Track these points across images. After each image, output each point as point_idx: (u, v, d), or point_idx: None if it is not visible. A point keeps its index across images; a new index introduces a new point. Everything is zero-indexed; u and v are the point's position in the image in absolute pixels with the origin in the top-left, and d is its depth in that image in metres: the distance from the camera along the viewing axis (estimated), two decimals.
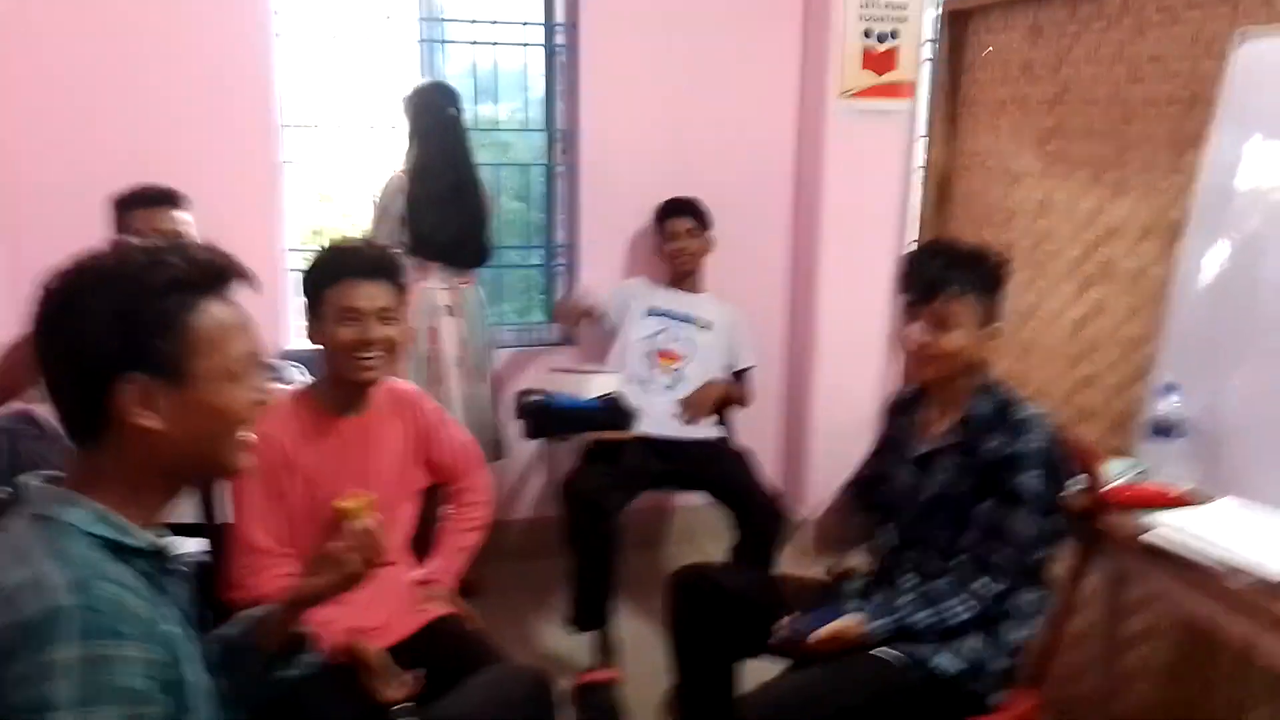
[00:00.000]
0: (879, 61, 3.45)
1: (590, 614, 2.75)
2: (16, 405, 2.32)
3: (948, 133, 3.20)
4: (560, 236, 3.68)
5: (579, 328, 3.46)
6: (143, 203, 2.46)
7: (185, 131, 3.09)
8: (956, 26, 3.15)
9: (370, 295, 1.83)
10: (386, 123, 3.35)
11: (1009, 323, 2.85)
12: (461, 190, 3.07)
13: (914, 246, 1.94)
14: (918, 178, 3.44)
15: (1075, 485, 1.98)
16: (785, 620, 1.89)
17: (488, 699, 1.66)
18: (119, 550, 1.05)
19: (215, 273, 1.11)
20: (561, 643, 2.88)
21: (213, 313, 1.09)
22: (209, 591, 1.97)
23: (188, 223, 2.50)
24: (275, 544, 1.86)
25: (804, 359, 3.69)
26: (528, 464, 3.56)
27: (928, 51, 3.48)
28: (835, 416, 3.55)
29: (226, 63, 3.12)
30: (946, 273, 1.85)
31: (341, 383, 1.89)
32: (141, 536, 1.08)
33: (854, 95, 3.46)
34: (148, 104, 3.06)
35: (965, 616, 1.77)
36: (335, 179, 3.52)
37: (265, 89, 3.20)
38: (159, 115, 3.07)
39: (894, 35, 3.44)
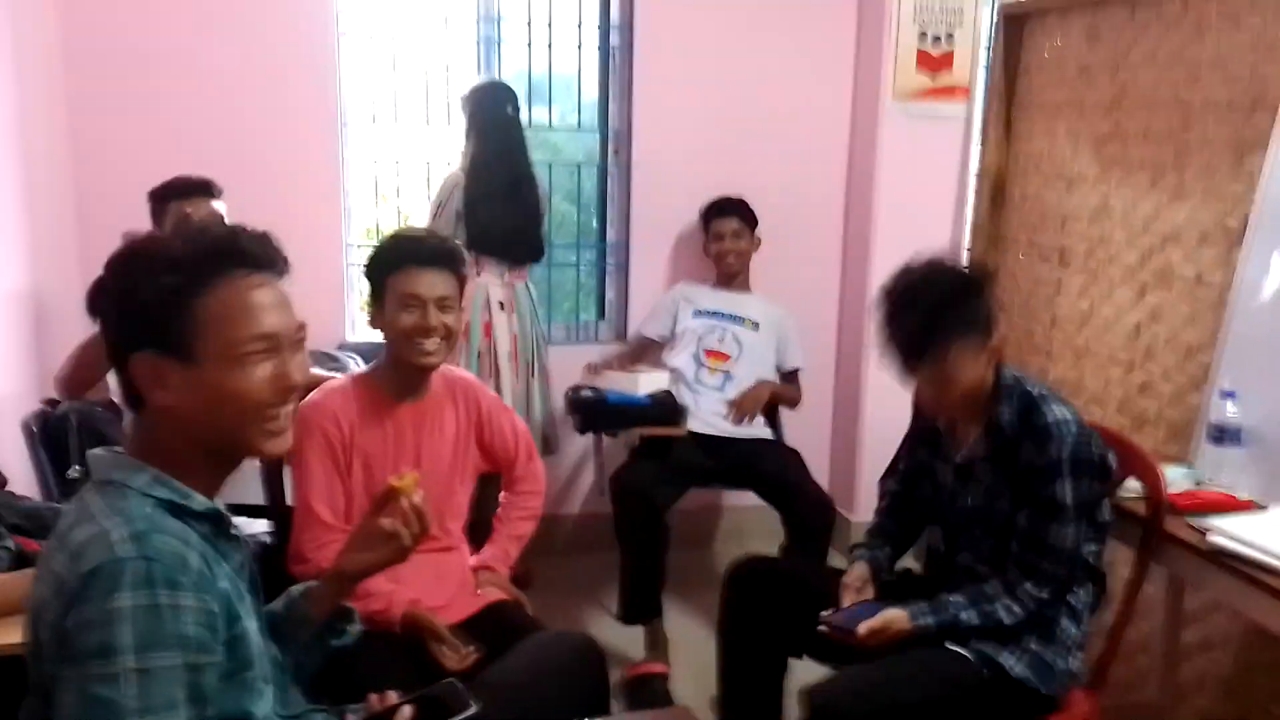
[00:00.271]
0: (934, 64, 3.45)
1: (640, 608, 2.78)
2: (99, 394, 2.42)
3: (1003, 136, 3.19)
4: (611, 235, 3.72)
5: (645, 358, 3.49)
6: (177, 193, 2.53)
7: (251, 129, 3.19)
8: (1013, 29, 3.14)
9: (430, 283, 1.89)
10: (444, 120, 3.41)
11: (1064, 327, 2.86)
12: (517, 187, 3.12)
13: (882, 300, 1.83)
14: (972, 182, 3.44)
15: (1132, 492, 1.98)
16: (831, 611, 1.91)
17: (539, 660, 1.70)
18: (178, 513, 1.10)
19: (221, 253, 1.11)
20: (611, 636, 2.91)
21: (219, 294, 1.09)
22: (271, 573, 2.05)
23: (221, 212, 2.57)
24: (337, 519, 1.92)
25: (855, 361, 3.69)
26: (578, 459, 3.60)
27: (983, 54, 3.47)
28: (886, 419, 3.51)
29: (292, 62, 3.21)
30: (927, 330, 1.75)
31: (401, 367, 1.95)
32: (199, 501, 1.13)
33: (909, 98, 3.46)
34: (216, 102, 3.16)
35: (1009, 620, 1.77)
36: (394, 176, 3.59)
37: (329, 87, 3.28)
38: (227, 113, 3.17)
39: (950, 38, 3.44)
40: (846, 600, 1.95)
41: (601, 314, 3.80)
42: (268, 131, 3.20)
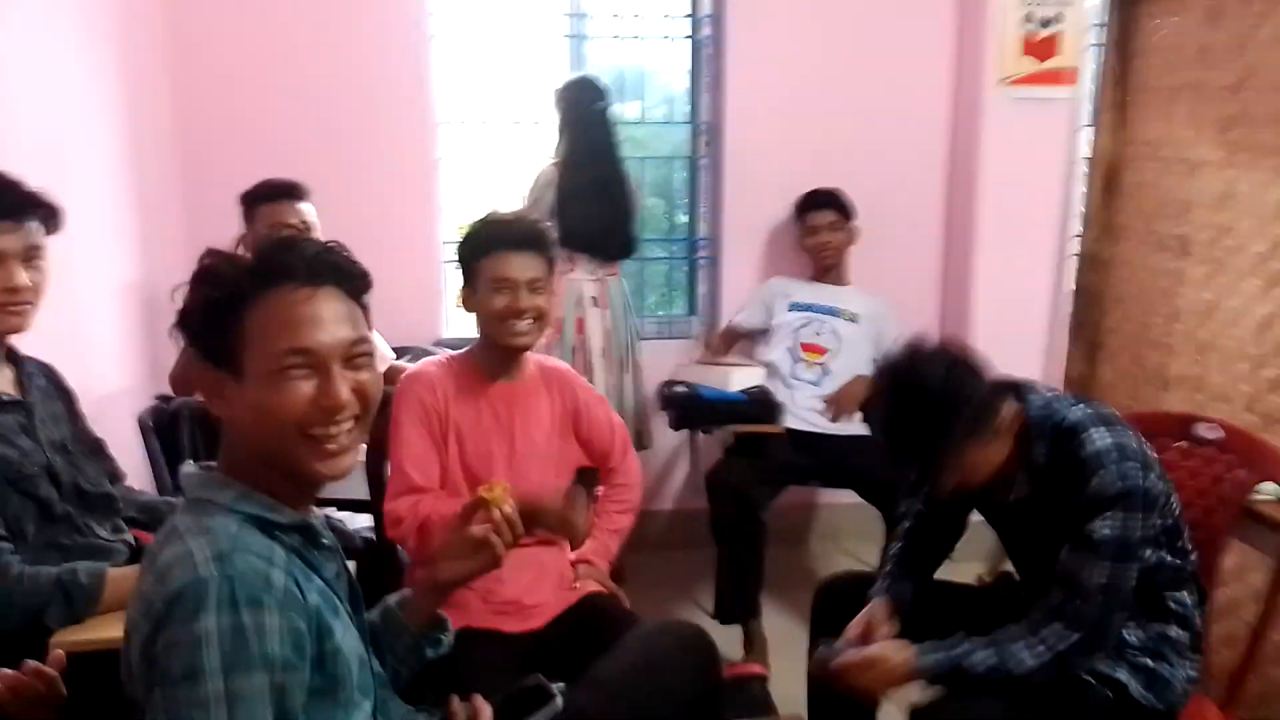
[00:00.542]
0: (1040, 47, 3.31)
1: (737, 608, 2.74)
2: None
3: (1116, 121, 3.04)
4: (702, 230, 3.68)
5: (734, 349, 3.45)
6: (264, 197, 2.57)
7: (347, 131, 3.24)
8: (1126, 10, 2.99)
9: (521, 265, 1.90)
10: (536, 118, 3.42)
11: (1186, 320, 2.71)
12: (608, 183, 3.11)
13: (872, 417, 1.73)
14: (1081, 169, 3.30)
15: (1268, 495, 1.86)
16: (829, 644, 1.78)
17: (648, 652, 1.68)
18: (266, 527, 1.09)
19: (268, 267, 1.09)
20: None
21: (265, 308, 1.08)
22: (372, 570, 2.07)
23: (309, 214, 2.60)
24: (430, 484, 1.93)
25: None
26: (670, 455, 3.57)
27: (1092, 36, 3.32)
28: None
29: (385, 65, 3.25)
30: (928, 459, 1.64)
31: (494, 349, 1.97)
32: (287, 513, 1.12)
33: (1013, 83, 3.32)
34: (313, 105, 3.22)
35: (1033, 662, 1.61)
36: (485, 175, 3.62)
37: (422, 88, 3.31)
38: (323, 116, 3.22)
39: (1057, 20, 3.29)
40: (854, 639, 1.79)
41: (693, 309, 3.76)
42: (362, 134, 3.25)
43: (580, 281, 3.11)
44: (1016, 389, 1.69)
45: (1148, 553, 1.63)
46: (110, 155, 2.69)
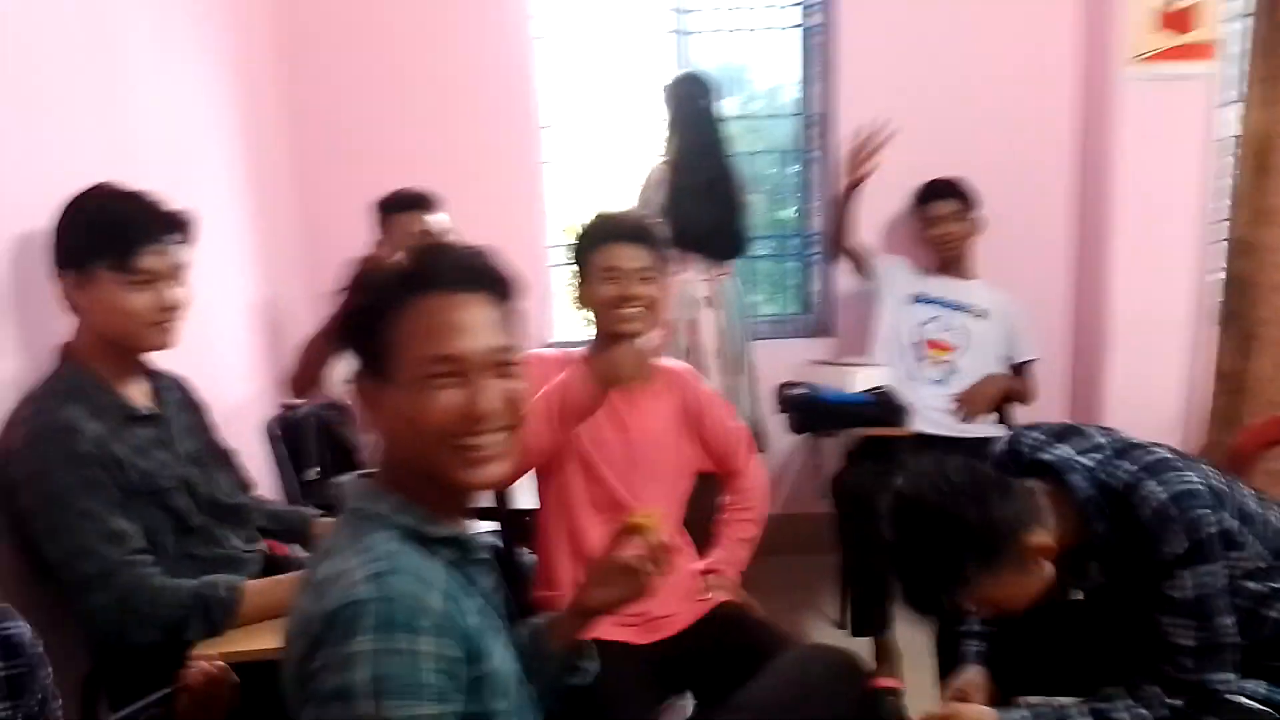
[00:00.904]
0: (1178, 20, 3.10)
1: (871, 620, 2.63)
2: (325, 394, 2.50)
3: (1268, 96, 2.82)
4: (814, 226, 3.57)
5: (843, 257, 3.28)
6: (402, 206, 2.63)
7: (450, 136, 3.24)
8: None
9: (630, 256, 1.90)
10: (642, 118, 3.37)
11: None
12: (716, 181, 3.05)
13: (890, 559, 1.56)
14: (1220, 148, 3.09)
15: None
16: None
17: (798, 679, 1.61)
18: (424, 540, 1.07)
19: (416, 272, 1.08)
20: (827, 639, 2.78)
21: (412, 313, 1.06)
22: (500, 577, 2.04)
23: (444, 223, 2.63)
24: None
25: (1093, 353, 3.38)
26: (786, 458, 3.47)
27: (1230, 7, 3.10)
28: (1130, 418, 3.17)
29: (488, 67, 3.24)
30: (940, 594, 1.50)
31: (608, 341, 1.92)
32: (444, 527, 1.10)
33: (1148, 59, 3.12)
34: (416, 112, 3.24)
35: None
36: (591, 178, 3.58)
37: (526, 91, 3.30)
38: (426, 122, 3.24)
39: None
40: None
41: (806, 308, 3.65)
42: (467, 138, 3.25)
43: (692, 282, 3.04)
44: (1054, 473, 1.53)
45: (1251, 585, 1.49)
46: (233, 176, 2.74)
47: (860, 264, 3.26)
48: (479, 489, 1.13)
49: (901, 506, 1.53)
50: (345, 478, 1.17)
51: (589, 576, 1.39)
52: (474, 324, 1.07)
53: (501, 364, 1.09)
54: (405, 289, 1.07)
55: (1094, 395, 3.37)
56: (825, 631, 2.85)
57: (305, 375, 2.55)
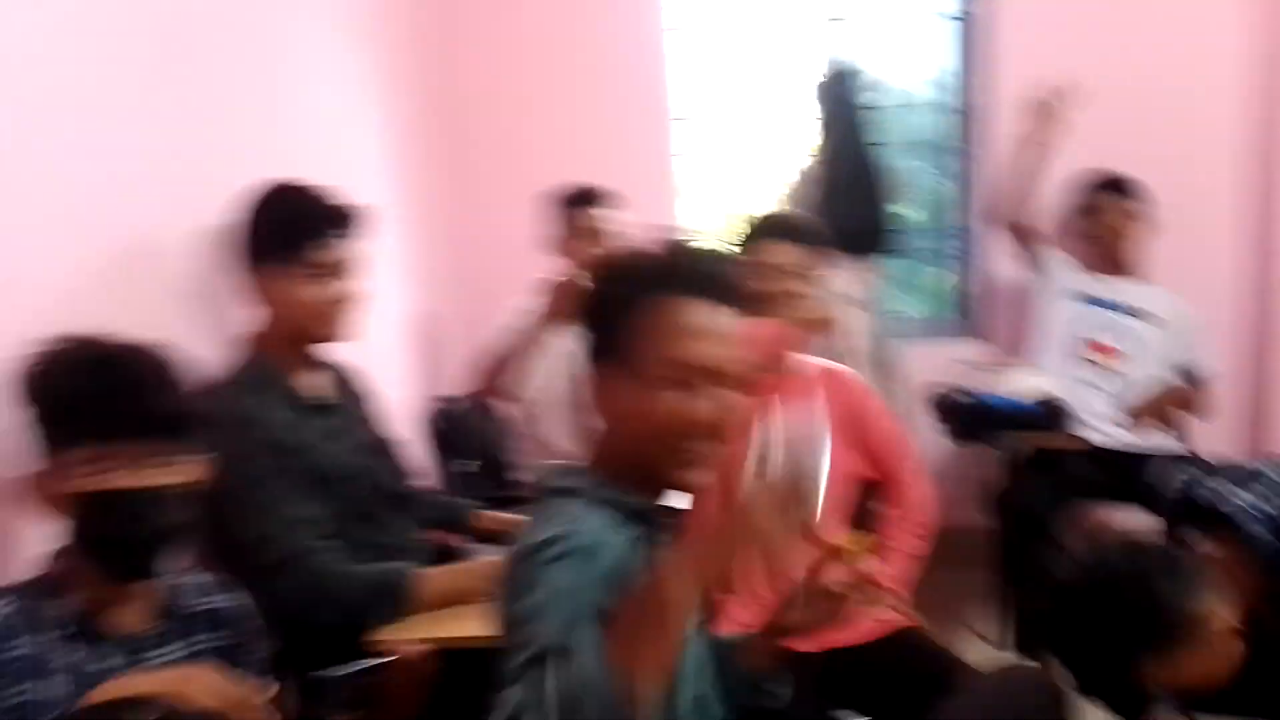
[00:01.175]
0: None
1: (1035, 640, 2.48)
2: (512, 395, 2.47)
3: None
4: (966, 221, 3.42)
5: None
6: (586, 201, 2.62)
7: (582, 127, 3.24)
8: None
9: (778, 252, 1.93)
10: (780, 111, 3.29)
11: None
12: (863, 177, 2.99)
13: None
14: None
15: None
16: None
17: (999, 705, 1.51)
18: (617, 512, 1.10)
19: (675, 274, 1.10)
20: (987, 660, 2.65)
21: (662, 310, 1.08)
22: None
23: (624, 220, 2.61)
24: None
25: (1269, 370, 3.15)
26: (938, 464, 3.32)
27: None
28: None
29: (621, 58, 3.24)
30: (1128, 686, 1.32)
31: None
32: (638, 501, 1.13)
33: None
34: (551, 102, 3.24)
35: None
36: (725, 171, 3.53)
37: (658, 82, 3.27)
38: (560, 113, 3.25)
39: None
40: None
41: (955, 307, 3.51)
42: (599, 130, 3.24)
43: (840, 281, 2.95)
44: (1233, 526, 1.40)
45: None
46: (385, 173, 2.78)
47: (1030, 245, 3.02)
48: (686, 491, 1.16)
49: (1061, 595, 1.39)
50: (546, 462, 1.19)
51: (785, 598, 1.34)
52: (723, 335, 1.10)
53: (738, 378, 1.12)
54: (660, 285, 1.09)
55: (1275, 415, 3.13)
56: (982, 650, 2.71)
57: (496, 374, 2.49)
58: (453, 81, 3.24)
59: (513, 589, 1.03)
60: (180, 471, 1.15)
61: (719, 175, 3.53)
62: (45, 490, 1.12)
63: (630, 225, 2.58)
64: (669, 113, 3.31)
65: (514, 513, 1.92)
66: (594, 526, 1.06)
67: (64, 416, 1.11)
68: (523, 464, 2.50)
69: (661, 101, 3.28)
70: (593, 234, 2.56)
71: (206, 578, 1.30)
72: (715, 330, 1.09)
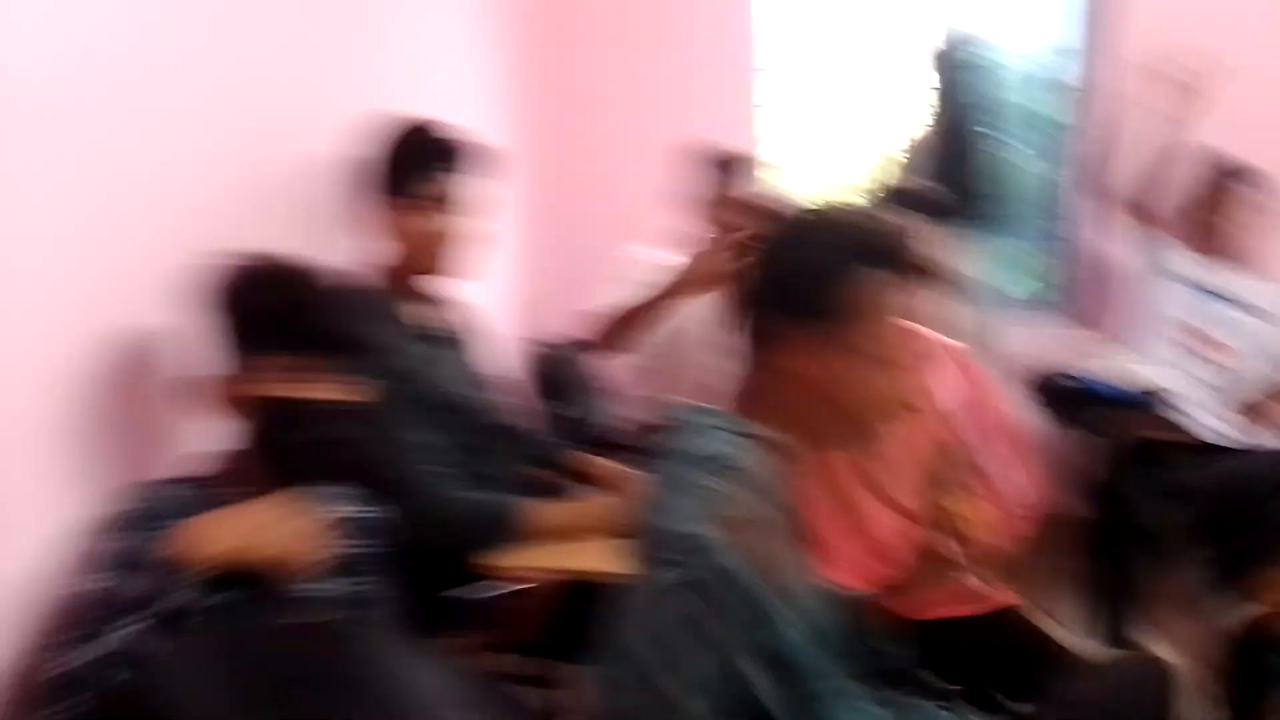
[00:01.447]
0: None
1: (1124, 632, 2.45)
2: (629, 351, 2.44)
3: None
4: (1075, 198, 3.30)
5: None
6: (737, 168, 2.52)
7: (665, 76, 3.22)
8: None
9: (917, 226, 1.85)
10: (866, 67, 3.31)
11: None
12: (967, 152, 2.93)
13: None
14: None
15: None
16: None
17: (1113, 695, 1.49)
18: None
19: (890, 251, 1.10)
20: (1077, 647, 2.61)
21: (885, 288, 1.07)
22: None
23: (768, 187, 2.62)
24: None
25: None
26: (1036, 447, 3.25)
27: None
28: None
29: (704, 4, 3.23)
30: None
31: None
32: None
33: None
34: (638, 51, 3.25)
35: None
36: (811, 124, 3.49)
37: (743, 31, 3.23)
38: (641, 63, 3.24)
39: None
40: None
41: (1056, 288, 3.41)
42: (680, 80, 3.22)
43: (948, 256, 2.89)
44: None
45: None
46: (495, 124, 2.79)
47: (1147, 228, 2.91)
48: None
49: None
50: (680, 403, 1.20)
51: (903, 562, 1.37)
52: (928, 319, 1.20)
53: (922, 358, 1.19)
54: (874, 259, 1.08)
55: None
56: (1070, 638, 2.66)
57: (619, 327, 2.37)
58: (555, 22, 3.23)
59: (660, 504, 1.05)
60: (355, 390, 1.22)
61: (801, 128, 3.48)
62: (232, 393, 1.18)
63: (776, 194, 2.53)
64: (752, 62, 3.27)
65: (611, 459, 1.95)
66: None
67: (262, 327, 1.19)
68: (623, 416, 2.49)
69: (746, 50, 3.25)
70: (744, 203, 2.44)
71: (351, 490, 1.35)
72: (925, 314, 1.16)
